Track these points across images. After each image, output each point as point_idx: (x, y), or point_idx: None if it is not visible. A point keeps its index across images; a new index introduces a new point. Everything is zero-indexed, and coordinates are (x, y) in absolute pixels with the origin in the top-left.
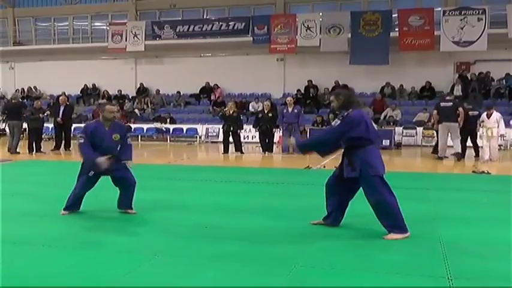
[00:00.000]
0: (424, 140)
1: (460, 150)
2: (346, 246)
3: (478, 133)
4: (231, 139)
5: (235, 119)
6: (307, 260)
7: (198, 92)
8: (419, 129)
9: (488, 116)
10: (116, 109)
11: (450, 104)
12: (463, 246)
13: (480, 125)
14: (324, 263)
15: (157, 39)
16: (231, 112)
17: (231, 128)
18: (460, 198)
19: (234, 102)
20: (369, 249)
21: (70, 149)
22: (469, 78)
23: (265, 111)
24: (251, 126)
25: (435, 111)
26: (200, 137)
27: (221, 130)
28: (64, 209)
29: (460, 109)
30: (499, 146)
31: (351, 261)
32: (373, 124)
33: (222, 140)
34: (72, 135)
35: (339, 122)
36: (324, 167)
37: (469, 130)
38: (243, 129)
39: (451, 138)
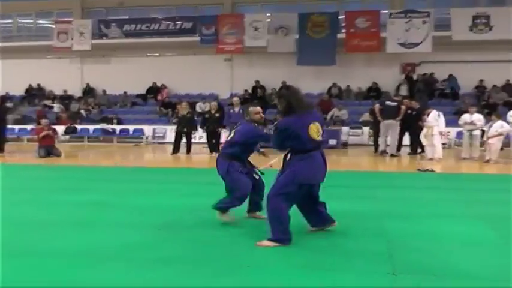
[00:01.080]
0: (370, 140)
1: (395, 150)
2: (293, 246)
3: (422, 132)
4: (183, 140)
5: (189, 120)
6: (253, 260)
7: (144, 92)
8: (366, 129)
9: (427, 115)
10: (259, 109)
11: (395, 104)
12: (408, 242)
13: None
14: (270, 263)
15: (104, 38)
16: (185, 113)
17: (184, 129)
18: (406, 195)
19: (187, 102)
20: (315, 249)
21: (3, 151)
22: (415, 78)
23: (212, 112)
24: (198, 126)
25: (378, 106)
26: (147, 138)
27: (168, 131)
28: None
29: (403, 106)
30: (443, 144)
31: (297, 261)
32: (318, 127)
33: (171, 140)
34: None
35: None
36: (271, 166)
37: (407, 126)
38: (197, 130)
39: (390, 135)
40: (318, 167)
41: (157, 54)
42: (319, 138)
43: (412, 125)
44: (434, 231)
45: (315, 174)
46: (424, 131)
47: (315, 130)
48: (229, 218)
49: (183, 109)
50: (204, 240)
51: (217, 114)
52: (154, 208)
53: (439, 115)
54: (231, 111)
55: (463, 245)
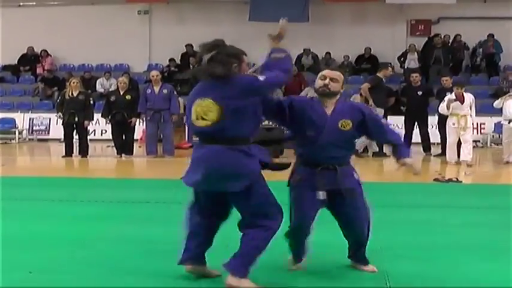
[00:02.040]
0: None
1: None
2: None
3: (448, 124)
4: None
5: (81, 105)
6: None
7: (15, 62)
8: None
9: (461, 99)
10: None
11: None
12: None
13: (448, 109)
14: None
15: None
16: (74, 94)
17: (76, 119)
18: (416, 218)
19: (78, 79)
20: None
21: None
22: (430, 43)
23: (121, 92)
24: (99, 115)
25: (367, 85)
26: (21, 133)
27: (54, 120)
28: None
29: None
30: (475, 142)
31: None
32: (209, 105)
33: (57, 136)
34: None
35: None
36: None
37: (414, 114)
38: (92, 119)
39: None
40: (197, 165)
41: (33, 3)
42: (205, 123)
43: (422, 111)
44: (457, 274)
45: (192, 176)
46: (452, 121)
47: (199, 111)
48: (300, 265)
49: (74, 88)
50: None
51: (128, 96)
52: (36, 240)
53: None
54: (149, 91)
55: None
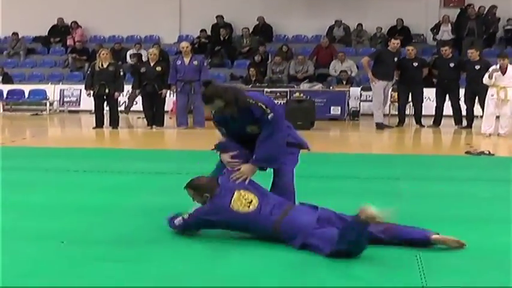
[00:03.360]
0: (393, 107)
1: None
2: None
3: (487, 95)
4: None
5: (111, 76)
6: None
7: (46, 33)
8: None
9: (503, 70)
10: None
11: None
12: (446, 262)
13: (490, 79)
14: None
15: None
16: (104, 65)
17: (106, 90)
18: (446, 191)
19: (108, 50)
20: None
21: None
22: (464, 14)
23: (151, 64)
24: (130, 86)
25: (367, 59)
26: (52, 104)
27: (85, 92)
28: None
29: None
30: None
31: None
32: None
33: (89, 108)
34: None
35: None
36: None
37: (445, 87)
38: (123, 91)
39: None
40: None
41: None
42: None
43: (453, 84)
44: (488, 247)
45: None
46: (491, 92)
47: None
48: None
49: (104, 59)
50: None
51: (158, 68)
52: (67, 211)
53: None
54: (179, 62)
55: None
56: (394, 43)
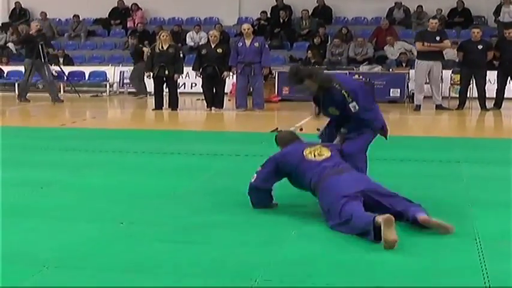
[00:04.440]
0: (454, 89)
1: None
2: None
3: None
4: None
5: (171, 58)
6: (274, 271)
7: (106, 16)
8: (446, 73)
9: None
10: None
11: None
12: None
13: None
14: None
15: None
16: (164, 47)
17: (166, 72)
18: (507, 174)
19: (168, 32)
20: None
21: None
22: None
23: (212, 46)
24: (190, 68)
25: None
26: (111, 86)
27: (145, 74)
28: None
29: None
30: None
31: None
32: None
33: (148, 89)
34: None
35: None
36: (301, 129)
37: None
38: (182, 73)
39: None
40: None
41: None
42: None
43: None
44: None
45: None
46: None
47: None
48: None
49: (164, 41)
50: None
51: (219, 50)
52: (126, 192)
53: None
54: (240, 44)
55: None
56: (433, 23)
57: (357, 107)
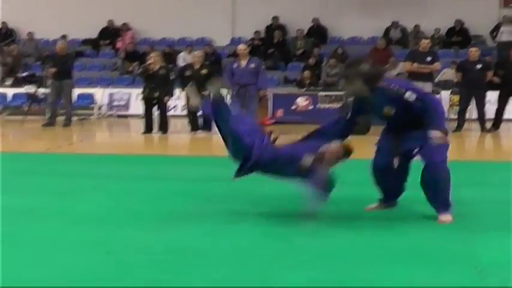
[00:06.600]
0: (452, 110)
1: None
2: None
3: None
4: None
5: (162, 80)
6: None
7: (96, 36)
8: (445, 94)
9: None
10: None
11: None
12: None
13: None
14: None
15: None
16: (155, 68)
17: (156, 94)
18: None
19: (159, 52)
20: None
21: None
22: None
23: (196, 67)
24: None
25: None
26: (100, 108)
27: (134, 96)
28: None
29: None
30: None
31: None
32: None
33: (138, 112)
34: None
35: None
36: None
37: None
38: (173, 95)
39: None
40: None
41: None
42: None
43: None
44: None
45: None
46: None
47: None
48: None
49: (154, 63)
50: None
51: (203, 71)
52: (110, 219)
53: None
54: (235, 65)
55: None
56: (424, 43)
57: (414, 95)
